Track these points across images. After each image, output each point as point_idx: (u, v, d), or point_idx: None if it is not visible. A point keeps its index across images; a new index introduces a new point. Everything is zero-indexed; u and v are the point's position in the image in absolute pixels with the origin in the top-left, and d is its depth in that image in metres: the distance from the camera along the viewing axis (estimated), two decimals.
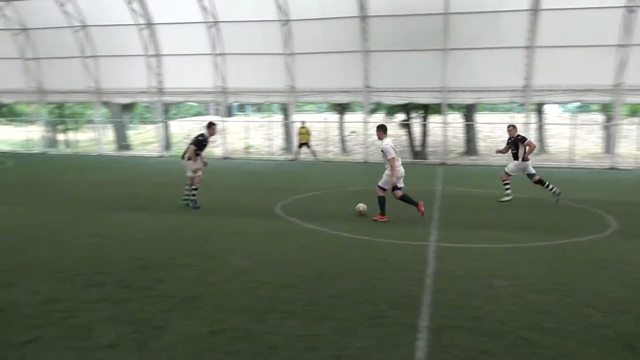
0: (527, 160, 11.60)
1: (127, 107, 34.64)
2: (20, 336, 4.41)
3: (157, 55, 24.56)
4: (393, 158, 9.38)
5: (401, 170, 9.60)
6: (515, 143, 11.62)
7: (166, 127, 28.62)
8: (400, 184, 9.63)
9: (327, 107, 36.46)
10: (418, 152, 27.95)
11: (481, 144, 30.58)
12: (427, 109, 27.42)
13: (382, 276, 6.23)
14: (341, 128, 33.27)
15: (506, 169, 11.82)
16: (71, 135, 38.67)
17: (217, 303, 5.26)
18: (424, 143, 28.33)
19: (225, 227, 9.08)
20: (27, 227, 8.93)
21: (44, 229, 8.76)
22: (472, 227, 9.30)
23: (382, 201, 9.64)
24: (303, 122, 23.14)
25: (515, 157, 11.75)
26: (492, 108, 35.61)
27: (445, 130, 23.79)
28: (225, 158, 24.90)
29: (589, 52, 20.11)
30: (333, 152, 30.27)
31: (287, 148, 28.28)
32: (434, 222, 9.65)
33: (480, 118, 32.47)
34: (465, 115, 29.75)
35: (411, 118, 28.53)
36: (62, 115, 35.59)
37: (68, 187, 14.37)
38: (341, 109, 33.23)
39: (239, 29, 23.04)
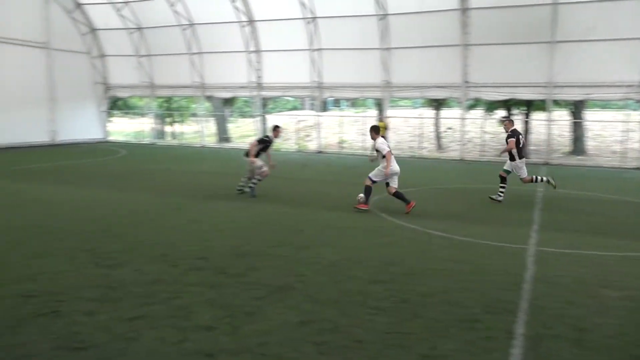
0: (513, 160, 11.23)
1: (228, 101, 36.24)
2: (129, 312, 4.79)
3: (257, 51, 25.42)
4: (389, 152, 9.74)
5: (396, 167, 9.89)
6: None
7: (264, 121, 29.58)
8: (394, 183, 9.98)
9: (423, 103, 35.75)
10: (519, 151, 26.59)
11: (590, 144, 28.49)
12: (530, 106, 25.99)
13: (476, 278, 6.01)
14: (437, 124, 32.49)
15: (520, 176, 11.25)
16: (177, 128, 41.21)
17: (308, 294, 5.36)
18: (525, 141, 26.93)
19: (318, 220, 9.23)
20: (138, 212, 9.66)
21: (152, 215, 9.42)
22: (577, 231, 8.70)
23: (368, 191, 10.02)
24: (381, 115, 23.11)
25: (510, 157, 11.29)
26: (604, 105, 32.99)
27: (550, 128, 22.39)
28: (319, 152, 25.26)
29: None
30: (427, 148, 29.65)
31: None
32: (535, 224, 9.14)
33: (590, 115, 30.24)
34: (572, 112, 27.84)
35: (512, 115, 27.20)
36: (169, 109, 38.02)
37: (173, 176, 15.33)
38: (437, 104, 32.45)
39: (336, 24, 23.22)
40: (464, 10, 20.79)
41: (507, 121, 11.72)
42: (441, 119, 32.43)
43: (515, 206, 11.21)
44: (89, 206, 10.12)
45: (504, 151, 11.34)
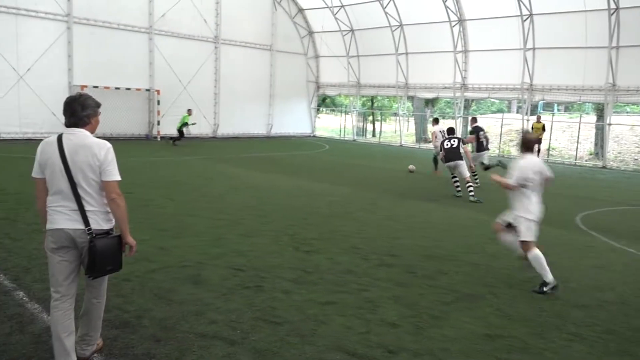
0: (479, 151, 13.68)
1: (430, 102, 36.01)
2: (321, 296, 5.12)
3: (465, 51, 24.74)
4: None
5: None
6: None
7: (465, 123, 28.71)
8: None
9: None
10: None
11: None
12: None
13: None
14: None
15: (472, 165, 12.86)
16: (377, 126, 42.41)
17: (498, 307, 5.09)
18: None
19: None
20: (336, 204, 10.23)
21: (348, 208, 9.89)
22: None
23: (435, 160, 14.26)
24: (539, 117, 21.11)
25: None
26: None
27: None
28: None
29: None
30: None
31: (598, 153, 25.12)
32: None
33: None
34: None
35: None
36: (372, 107, 39.30)
37: (371, 172, 15.86)
38: None
39: (555, 21, 21.34)
40: None
41: (471, 118, 14.79)
42: None
43: None
44: (293, 194, 11.06)
45: (467, 141, 13.13)
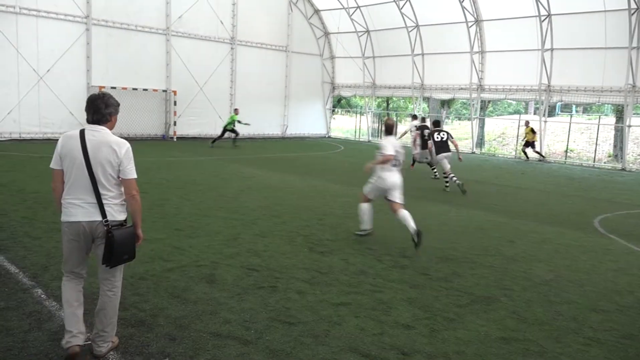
0: None
1: (446, 103, 35.81)
2: (336, 297, 5.12)
3: (481, 52, 24.55)
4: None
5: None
6: None
7: (482, 125, 28.50)
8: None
9: None
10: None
11: None
12: None
13: None
14: None
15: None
16: None
17: (513, 310, 5.05)
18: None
19: (533, 233, 8.57)
20: (350, 204, 10.19)
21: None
22: None
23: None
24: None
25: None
26: None
27: None
28: (540, 160, 23.35)
29: None
30: None
31: (617, 155, 24.76)
32: None
33: None
34: None
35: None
36: (387, 108, 39.18)
37: None
38: None
39: (574, 22, 21.06)
40: None
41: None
42: None
43: None
44: (308, 195, 11.07)
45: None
